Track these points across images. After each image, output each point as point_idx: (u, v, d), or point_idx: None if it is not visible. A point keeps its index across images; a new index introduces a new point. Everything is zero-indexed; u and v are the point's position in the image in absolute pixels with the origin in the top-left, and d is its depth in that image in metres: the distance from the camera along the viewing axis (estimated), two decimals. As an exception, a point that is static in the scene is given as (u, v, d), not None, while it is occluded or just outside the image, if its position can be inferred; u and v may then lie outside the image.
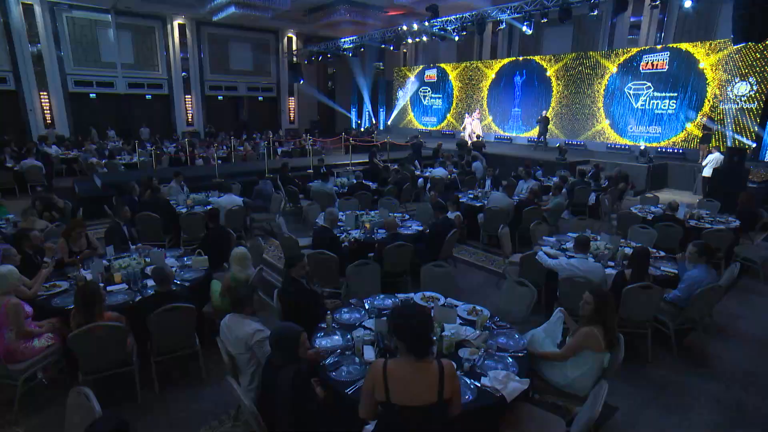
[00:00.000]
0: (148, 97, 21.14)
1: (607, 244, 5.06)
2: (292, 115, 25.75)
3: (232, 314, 3.00)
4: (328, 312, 3.26)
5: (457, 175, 9.29)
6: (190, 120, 22.21)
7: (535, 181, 8.77)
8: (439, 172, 10.01)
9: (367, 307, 3.62)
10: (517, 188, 8.33)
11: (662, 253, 5.13)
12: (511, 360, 2.87)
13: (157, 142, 15.90)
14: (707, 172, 10.13)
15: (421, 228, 5.82)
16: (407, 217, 6.48)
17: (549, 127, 15.17)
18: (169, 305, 3.29)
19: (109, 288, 3.94)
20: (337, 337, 3.13)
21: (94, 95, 19.67)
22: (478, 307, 3.55)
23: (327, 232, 4.83)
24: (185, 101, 21.92)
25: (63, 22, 18.35)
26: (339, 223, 5.98)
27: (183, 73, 21.45)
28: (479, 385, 2.60)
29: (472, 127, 16.05)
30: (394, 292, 3.92)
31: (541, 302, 4.73)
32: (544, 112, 15.53)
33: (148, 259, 4.51)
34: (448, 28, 13.46)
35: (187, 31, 21.16)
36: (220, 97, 23.40)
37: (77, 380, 3.30)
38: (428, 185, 9.75)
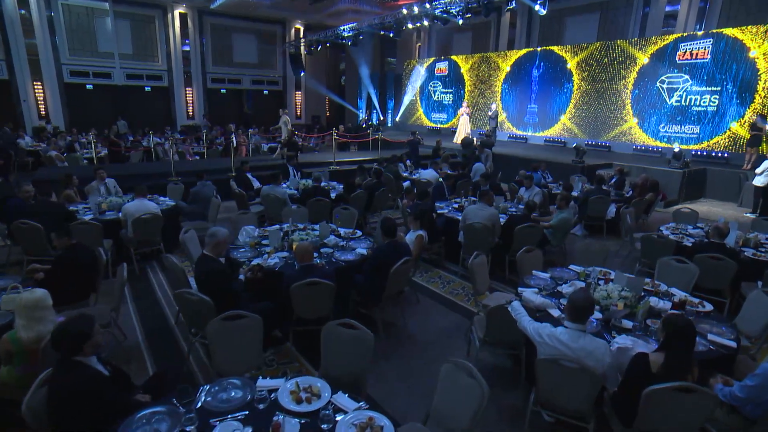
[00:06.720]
0: (147, 89, 20.28)
1: (623, 290, 3.32)
2: (298, 110, 24.62)
3: None
4: None
5: (444, 179, 7.56)
6: (190, 114, 21.32)
7: (539, 189, 7.04)
8: (427, 174, 8.40)
9: (200, 400, 2.14)
10: (515, 198, 6.70)
11: (709, 306, 3.42)
12: None
13: (135, 135, 14.84)
14: (761, 182, 8.18)
15: (365, 252, 4.27)
16: (359, 234, 4.92)
17: (568, 125, 13.36)
18: None
19: None
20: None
21: (91, 86, 18.88)
22: (378, 420, 2.03)
23: (209, 263, 3.33)
24: (186, 94, 21.00)
25: (58, 10, 17.63)
26: (264, 241, 4.54)
27: (188, 66, 20.47)
28: None
29: (465, 123, 14.49)
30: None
31: (522, 375, 3.20)
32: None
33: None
34: (452, 10, 11.82)
35: (188, 20, 20.26)
36: (222, 90, 22.41)
37: None
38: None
